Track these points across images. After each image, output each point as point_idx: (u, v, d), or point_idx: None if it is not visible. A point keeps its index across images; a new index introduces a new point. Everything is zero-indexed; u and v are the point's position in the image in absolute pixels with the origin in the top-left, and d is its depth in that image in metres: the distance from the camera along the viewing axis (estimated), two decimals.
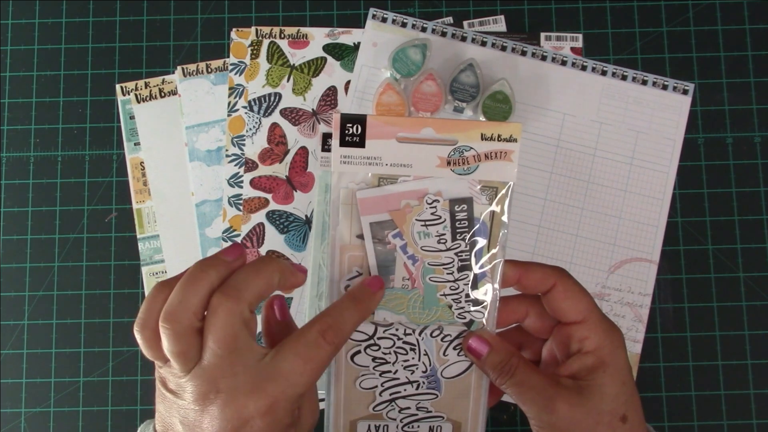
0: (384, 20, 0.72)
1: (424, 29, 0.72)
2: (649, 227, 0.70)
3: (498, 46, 0.72)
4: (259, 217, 0.71)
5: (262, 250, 0.71)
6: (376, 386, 0.42)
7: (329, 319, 0.37)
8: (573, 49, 0.72)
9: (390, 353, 0.42)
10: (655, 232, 0.70)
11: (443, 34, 0.72)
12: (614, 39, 0.73)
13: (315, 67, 0.73)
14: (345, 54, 0.73)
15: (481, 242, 0.41)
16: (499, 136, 0.40)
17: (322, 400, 0.42)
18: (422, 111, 0.69)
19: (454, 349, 0.42)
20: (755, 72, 0.72)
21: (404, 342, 0.42)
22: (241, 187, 0.71)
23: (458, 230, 0.41)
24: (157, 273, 0.71)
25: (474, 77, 0.69)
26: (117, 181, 0.72)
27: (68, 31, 0.74)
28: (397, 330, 0.41)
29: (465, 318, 0.42)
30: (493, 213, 0.41)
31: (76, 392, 0.70)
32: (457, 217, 0.41)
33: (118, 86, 0.73)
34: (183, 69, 0.73)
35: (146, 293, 0.71)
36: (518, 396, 0.41)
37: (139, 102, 0.73)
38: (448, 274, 0.41)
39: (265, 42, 0.73)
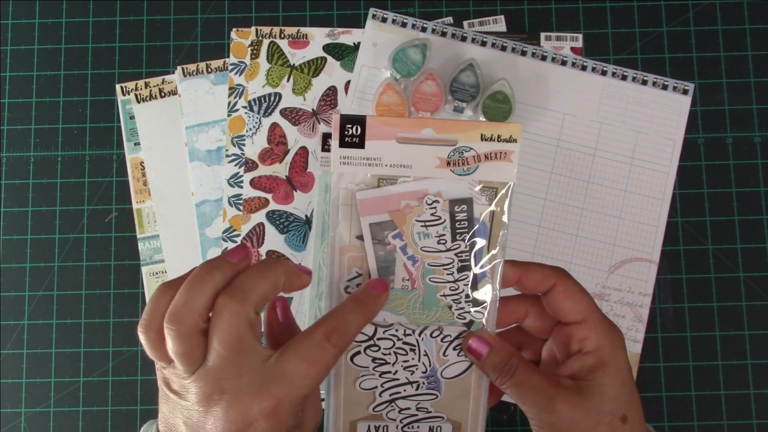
0: (384, 20, 0.72)
1: (424, 29, 0.72)
2: (649, 227, 0.70)
3: (498, 46, 0.72)
4: (259, 217, 0.71)
5: (262, 250, 0.71)
6: (376, 387, 0.42)
7: (334, 321, 0.37)
8: (573, 49, 0.72)
9: (390, 354, 0.42)
10: (655, 232, 0.70)
11: (443, 34, 0.72)
12: (614, 39, 0.73)
13: (315, 67, 0.73)
14: (345, 54, 0.73)
15: (481, 243, 0.41)
16: (498, 136, 0.40)
17: (322, 400, 0.42)
18: (422, 111, 0.69)
19: (454, 349, 0.42)
20: (755, 72, 0.72)
21: (404, 342, 0.42)
22: (241, 187, 0.71)
23: (458, 231, 0.41)
24: (157, 273, 0.71)
25: (474, 77, 0.69)
26: (117, 181, 0.72)
27: (68, 31, 0.74)
28: (396, 330, 0.41)
29: (465, 318, 0.42)
30: (492, 213, 0.41)
31: (76, 392, 0.70)
32: (456, 218, 0.41)
33: (118, 86, 0.73)
34: (183, 69, 0.73)
35: (146, 293, 0.71)
36: (518, 396, 0.41)
37: (139, 102, 0.73)
38: (447, 274, 0.41)
39: (265, 42, 0.73)
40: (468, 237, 0.41)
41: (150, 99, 0.73)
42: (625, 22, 0.73)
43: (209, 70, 0.73)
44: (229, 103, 0.72)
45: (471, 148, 0.40)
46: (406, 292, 0.41)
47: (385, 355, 0.42)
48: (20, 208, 0.72)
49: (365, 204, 0.40)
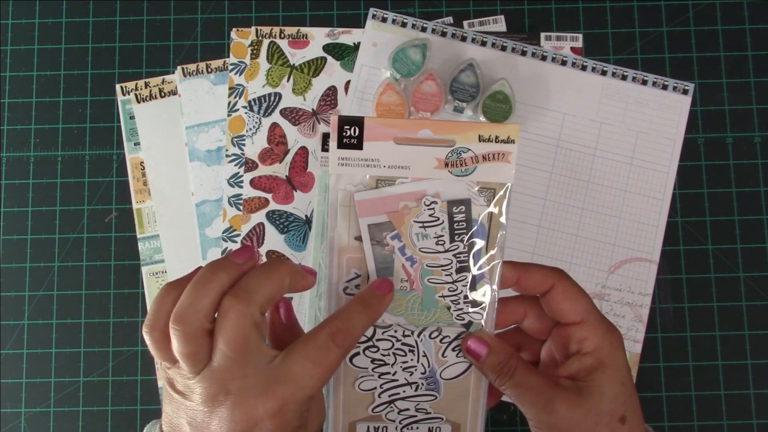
0: (384, 20, 0.72)
1: (424, 29, 0.72)
2: (649, 227, 0.70)
3: (498, 46, 0.71)
4: (259, 217, 0.71)
5: (262, 250, 0.71)
6: (375, 388, 0.42)
7: (339, 322, 0.37)
8: (573, 49, 0.72)
9: (389, 355, 0.42)
10: (655, 232, 0.70)
11: (443, 34, 0.72)
12: (614, 39, 0.73)
13: (315, 67, 0.73)
14: (345, 54, 0.73)
15: (480, 243, 0.41)
16: (496, 137, 0.40)
17: None
18: (422, 111, 0.69)
19: (453, 350, 0.42)
20: (755, 72, 0.72)
21: (403, 343, 0.42)
22: (241, 187, 0.71)
23: (456, 232, 0.41)
24: (157, 273, 0.71)
25: (474, 77, 0.69)
26: (117, 181, 0.72)
27: (68, 31, 0.74)
28: (395, 331, 0.41)
29: (464, 319, 0.41)
30: (491, 214, 0.41)
31: (76, 392, 0.70)
32: (455, 219, 0.41)
33: (118, 86, 0.73)
34: (183, 69, 0.73)
35: (146, 293, 0.71)
36: (517, 397, 0.41)
37: (139, 102, 0.73)
38: (446, 275, 0.41)
39: (265, 42, 0.73)
40: (466, 238, 0.41)
41: (150, 99, 0.73)
42: (625, 22, 0.73)
43: (209, 70, 0.73)
44: (229, 103, 0.72)
45: (469, 149, 0.40)
46: (405, 293, 0.41)
47: (384, 356, 0.42)
48: (20, 208, 0.72)
49: (363, 205, 0.40)
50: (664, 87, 0.71)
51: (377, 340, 0.41)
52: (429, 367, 0.42)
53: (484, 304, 0.41)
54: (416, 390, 0.42)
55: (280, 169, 0.72)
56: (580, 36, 0.73)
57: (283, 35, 0.73)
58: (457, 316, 0.41)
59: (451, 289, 0.41)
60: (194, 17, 0.74)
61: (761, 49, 0.72)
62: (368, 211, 0.40)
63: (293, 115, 0.72)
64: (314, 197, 0.71)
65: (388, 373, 0.42)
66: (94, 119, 0.73)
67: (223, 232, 0.71)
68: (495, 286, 0.41)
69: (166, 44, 0.74)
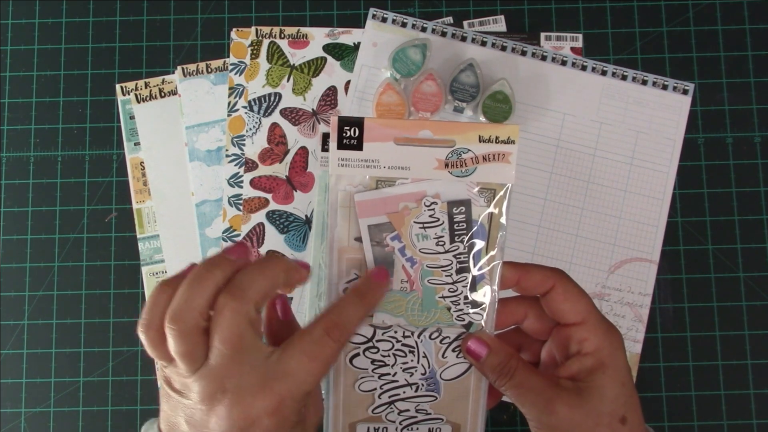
0: (384, 20, 0.72)
1: (424, 29, 0.72)
2: (649, 227, 0.70)
3: (498, 46, 0.71)
4: (259, 217, 0.71)
5: (262, 250, 0.71)
6: (375, 389, 0.42)
7: (334, 316, 0.38)
8: (573, 49, 0.72)
9: (389, 355, 0.42)
10: (655, 232, 0.70)
11: (443, 34, 0.72)
12: (614, 39, 0.73)
13: (315, 67, 0.73)
14: (345, 54, 0.73)
15: (480, 244, 0.41)
16: (496, 138, 0.40)
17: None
18: (422, 111, 0.69)
19: (453, 351, 0.42)
20: (755, 72, 0.72)
21: (403, 344, 0.42)
22: (241, 187, 0.71)
23: (456, 232, 0.41)
24: (157, 273, 0.71)
25: (474, 77, 0.69)
26: (117, 181, 0.72)
27: (68, 31, 0.74)
28: (395, 332, 0.41)
29: (464, 320, 0.41)
30: (491, 215, 0.41)
31: (76, 392, 0.70)
32: (455, 219, 0.41)
33: (118, 86, 0.73)
34: (183, 69, 0.73)
35: (146, 293, 0.71)
36: (517, 398, 0.41)
37: (139, 102, 0.73)
38: (446, 276, 0.41)
39: (265, 42, 0.73)
40: (466, 238, 0.41)
41: (150, 99, 0.73)
42: (625, 22, 0.73)
43: (209, 70, 0.73)
44: (229, 103, 0.72)
45: (469, 150, 0.40)
46: (405, 293, 0.41)
47: (384, 356, 0.42)
48: (20, 208, 0.72)
49: (363, 206, 0.40)
50: (664, 87, 0.71)
51: (377, 341, 0.41)
52: (429, 367, 0.42)
53: (484, 305, 0.41)
54: (416, 391, 0.42)
55: (280, 169, 0.72)
56: (580, 36, 0.73)
57: (283, 35, 0.73)
58: (458, 316, 0.41)
59: (451, 289, 0.41)
60: (194, 17, 0.74)
61: (761, 49, 0.72)
62: (368, 212, 0.40)
63: (293, 115, 0.72)
64: (314, 197, 0.71)
65: (389, 373, 0.42)
66: (94, 119, 0.73)
67: (223, 232, 0.71)
68: (495, 287, 0.41)
69: (166, 44, 0.74)
